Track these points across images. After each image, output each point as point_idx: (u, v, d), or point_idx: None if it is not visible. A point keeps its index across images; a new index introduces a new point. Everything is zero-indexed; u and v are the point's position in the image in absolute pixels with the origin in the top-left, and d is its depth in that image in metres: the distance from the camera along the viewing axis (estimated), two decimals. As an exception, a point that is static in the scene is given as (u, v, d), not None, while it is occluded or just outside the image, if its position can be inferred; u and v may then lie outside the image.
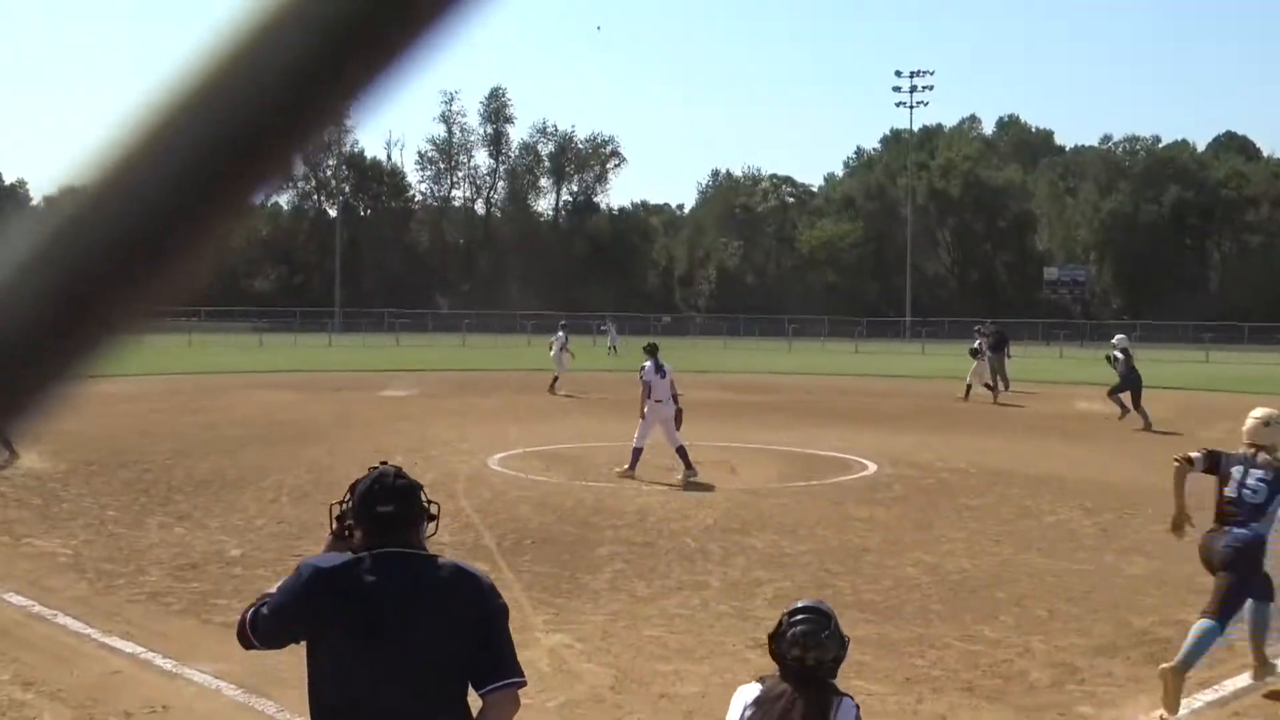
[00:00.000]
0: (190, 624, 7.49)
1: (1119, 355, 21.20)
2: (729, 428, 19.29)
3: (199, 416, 19.90)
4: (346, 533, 3.10)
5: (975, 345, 26.42)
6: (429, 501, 3.11)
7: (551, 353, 27.34)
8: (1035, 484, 13.72)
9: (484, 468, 14.25)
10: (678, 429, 13.91)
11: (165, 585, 8.49)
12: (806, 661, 3.28)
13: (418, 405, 22.85)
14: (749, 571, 9.13)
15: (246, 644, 3.05)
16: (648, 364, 14.07)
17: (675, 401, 13.83)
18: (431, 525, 3.09)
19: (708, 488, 13.11)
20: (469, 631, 2.94)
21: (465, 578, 3.03)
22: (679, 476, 13.40)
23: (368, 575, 2.94)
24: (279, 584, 3.09)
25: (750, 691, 3.33)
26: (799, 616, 3.35)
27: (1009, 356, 28.74)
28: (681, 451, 13.58)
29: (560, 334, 27.80)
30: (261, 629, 3.00)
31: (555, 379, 26.21)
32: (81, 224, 0.40)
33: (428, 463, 14.47)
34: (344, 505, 3.13)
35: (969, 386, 25.78)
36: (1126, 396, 20.68)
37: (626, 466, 13.68)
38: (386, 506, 3.01)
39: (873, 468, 14.82)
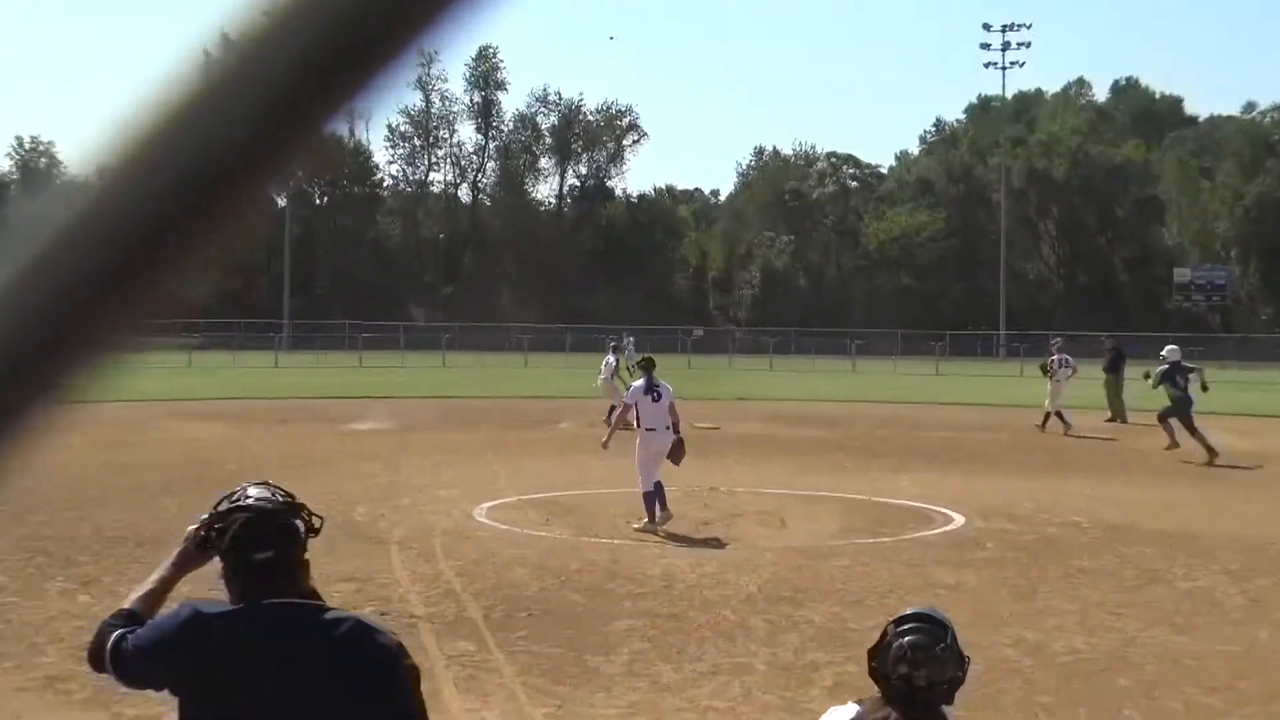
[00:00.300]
0: (98, 717, 7.45)
1: (1160, 371, 21.79)
2: (777, 469, 19.27)
3: (110, 455, 19.94)
4: (211, 546, 3.13)
5: (1049, 360, 26.54)
6: (311, 515, 3.17)
7: (599, 379, 27.65)
8: (1166, 541, 13.59)
9: (468, 520, 14.24)
10: (677, 464, 14.05)
11: (66, 669, 8.44)
12: (916, 681, 3.30)
13: (386, 441, 22.91)
14: (803, 652, 9.04)
15: (98, 668, 3.13)
16: (637, 383, 14.18)
17: (674, 431, 13.86)
18: (312, 534, 3.15)
19: (751, 546, 13.04)
20: (373, 698, 2.99)
21: (368, 635, 3.08)
22: (636, 524, 13.55)
23: (253, 631, 2.99)
24: (134, 601, 3.17)
25: (845, 712, 3.41)
26: (908, 625, 3.39)
27: (1125, 379, 28.59)
28: (648, 496, 13.68)
29: (611, 357, 28.07)
30: (126, 664, 3.07)
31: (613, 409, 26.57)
32: (69, 236, 0.45)
33: (398, 513, 14.46)
34: (210, 524, 3.14)
35: (1057, 415, 25.89)
36: (1181, 425, 21.29)
37: (645, 520, 13.64)
38: (265, 553, 3.04)
39: (959, 520, 14.74)
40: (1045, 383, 26.74)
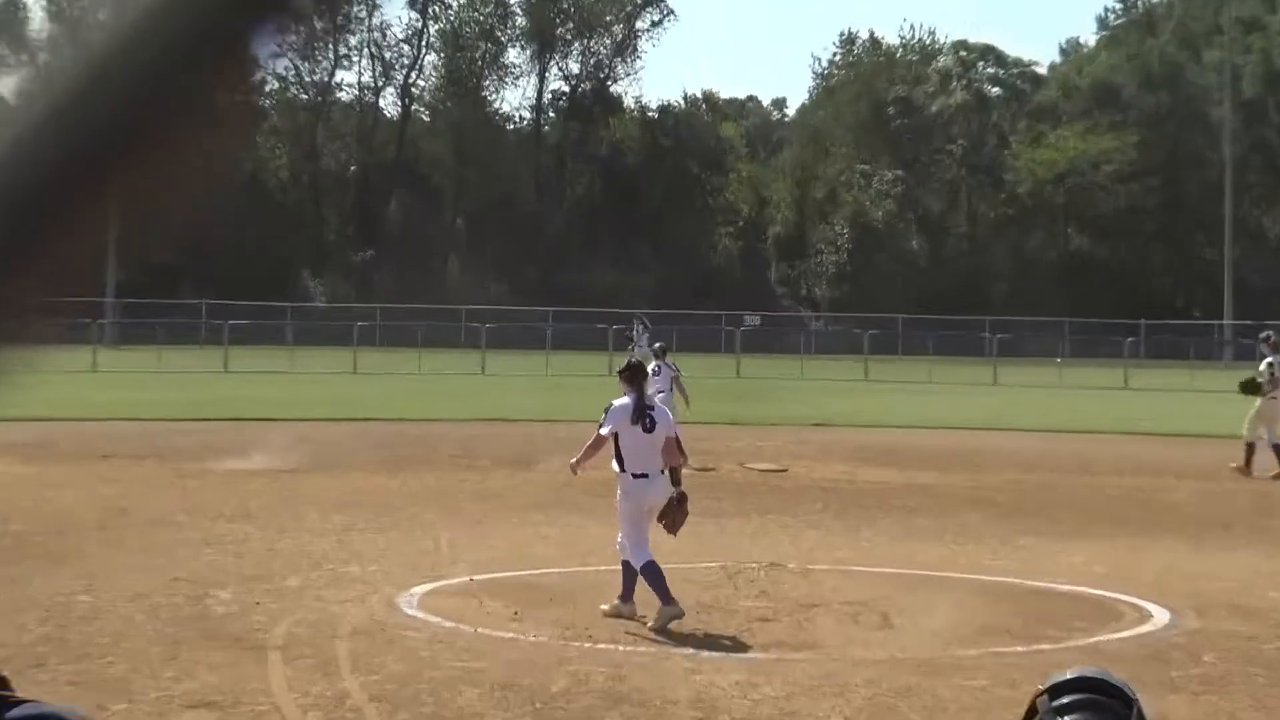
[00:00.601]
0: None
1: None
2: (875, 535, 19.29)
3: None
4: None
5: (1261, 372, 27.13)
6: None
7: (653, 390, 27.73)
8: None
9: (391, 612, 14.19)
10: (673, 533, 13.95)
11: None
12: None
13: (264, 489, 22.92)
14: (916, 825, 8.97)
15: None
16: (620, 401, 14.05)
17: (674, 480, 13.80)
18: None
19: (834, 655, 12.95)
20: None
21: None
22: (650, 619, 13.51)
23: None
24: None
25: None
26: (1070, 698, 3.43)
27: None
28: (649, 571, 13.59)
29: (655, 364, 28.12)
30: None
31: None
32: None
33: (282, 601, 14.42)
34: None
35: (1250, 448, 26.62)
36: None
37: (662, 608, 13.56)
38: None
39: (1161, 618, 14.68)
40: (1252, 401, 27.20)
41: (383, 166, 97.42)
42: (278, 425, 32.41)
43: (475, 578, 15.81)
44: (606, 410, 14.20)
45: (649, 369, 28.43)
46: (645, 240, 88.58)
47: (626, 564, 13.91)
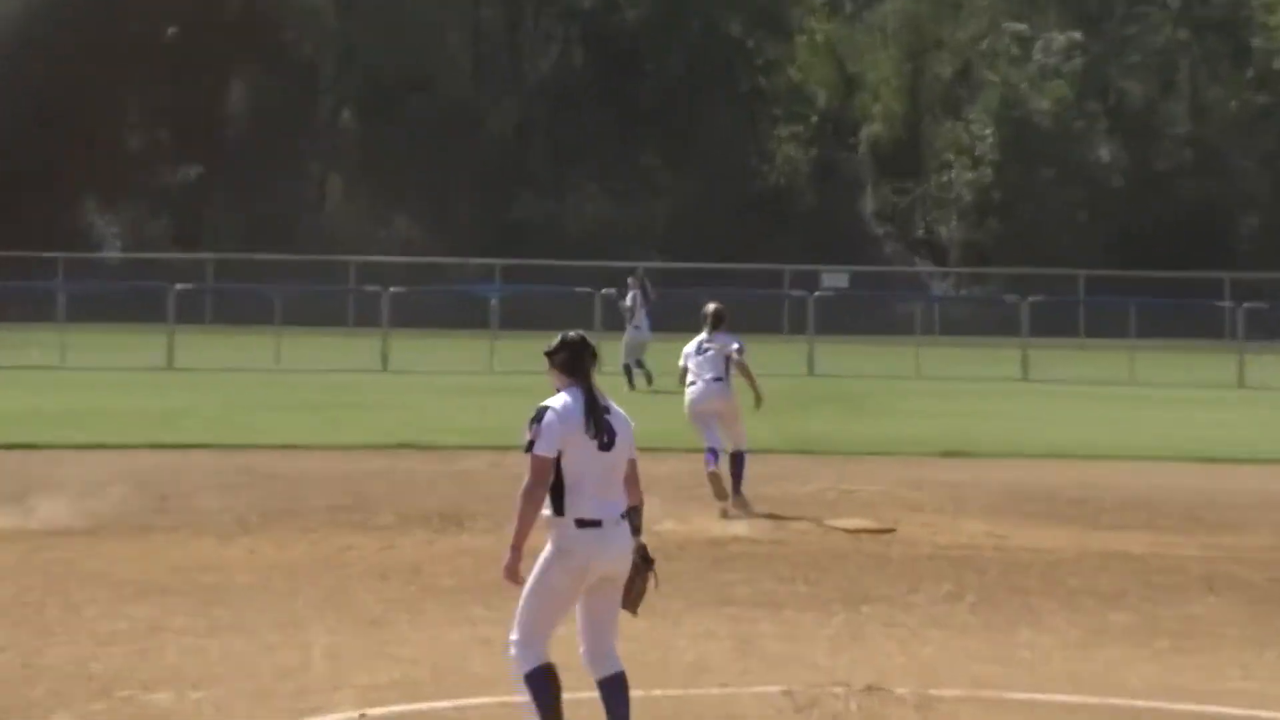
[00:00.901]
0: None
1: None
2: (1043, 638, 19.31)
3: None
4: None
5: None
6: None
7: (692, 385, 27.86)
8: None
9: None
10: (633, 609, 13.99)
11: None
12: None
13: (24, 565, 23.11)
14: None
15: None
16: (556, 403, 13.78)
17: (634, 527, 13.79)
18: None
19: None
20: None
21: None
22: None
23: None
24: None
25: None
26: None
27: None
28: (535, 683, 13.63)
29: (703, 341, 28.21)
30: None
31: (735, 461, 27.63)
32: None
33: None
34: None
35: None
36: None
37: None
38: None
39: None
40: None
41: (220, 27, 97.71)
42: (43, 455, 32.48)
43: (369, 712, 15.76)
44: (538, 418, 13.62)
45: (691, 346, 28.39)
46: (654, 147, 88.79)
47: (612, 680, 13.81)
